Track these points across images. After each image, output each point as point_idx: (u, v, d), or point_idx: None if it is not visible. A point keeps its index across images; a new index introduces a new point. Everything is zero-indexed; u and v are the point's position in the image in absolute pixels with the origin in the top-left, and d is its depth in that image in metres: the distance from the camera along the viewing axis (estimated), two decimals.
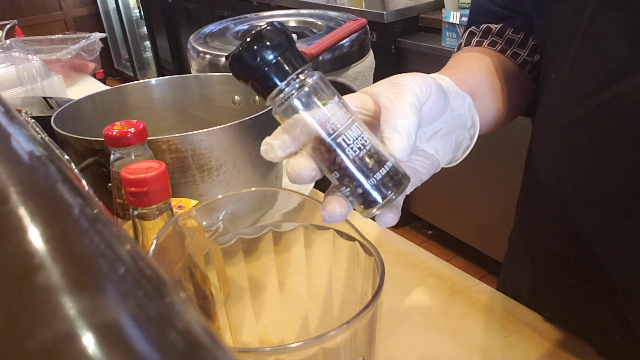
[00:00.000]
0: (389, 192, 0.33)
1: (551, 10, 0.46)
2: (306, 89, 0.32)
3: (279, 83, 0.32)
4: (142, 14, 3.54)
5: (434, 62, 1.60)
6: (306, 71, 0.32)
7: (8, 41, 1.42)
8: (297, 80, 0.32)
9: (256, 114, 0.57)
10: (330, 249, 0.39)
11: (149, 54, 3.76)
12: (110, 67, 4.03)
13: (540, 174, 0.50)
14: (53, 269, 0.10)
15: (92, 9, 3.87)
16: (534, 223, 0.54)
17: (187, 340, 0.11)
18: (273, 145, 0.33)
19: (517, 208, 0.59)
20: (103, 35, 1.49)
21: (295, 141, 0.33)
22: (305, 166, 0.33)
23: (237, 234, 0.41)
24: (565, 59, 0.44)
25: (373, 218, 0.36)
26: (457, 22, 1.51)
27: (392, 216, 0.35)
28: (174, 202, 0.46)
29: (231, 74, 0.32)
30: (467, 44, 0.56)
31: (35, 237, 0.11)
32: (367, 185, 0.33)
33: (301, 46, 1.21)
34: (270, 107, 0.33)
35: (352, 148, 0.32)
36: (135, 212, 0.38)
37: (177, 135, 0.53)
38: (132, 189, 0.37)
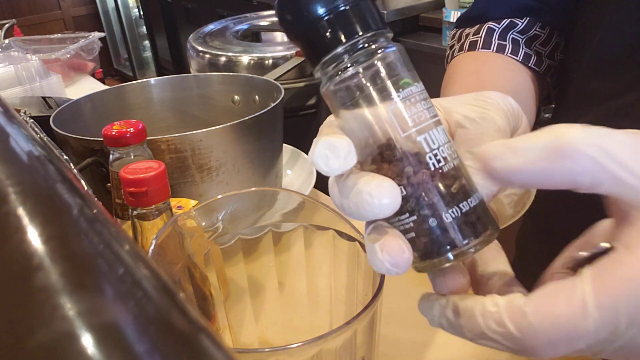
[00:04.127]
0: (470, 237, 0.23)
1: (577, 10, 0.45)
2: (377, 62, 0.23)
3: (338, 45, 0.22)
4: (142, 13, 3.54)
5: (434, 61, 1.60)
6: (382, 39, 0.23)
7: (7, 41, 1.42)
8: (367, 46, 0.23)
9: (256, 114, 0.57)
10: (330, 249, 0.39)
11: (148, 54, 3.75)
12: (109, 67, 4.02)
13: None
14: (52, 269, 0.10)
15: (91, 8, 3.87)
16: (544, 222, 0.53)
17: (187, 341, 0.11)
18: (338, 150, 0.23)
19: None
20: (102, 34, 1.49)
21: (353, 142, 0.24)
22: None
23: (236, 234, 0.41)
24: (583, 59, 0.43)
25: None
26: (454, 27, 1.51)
27: (460, 279, 0.25)
28: (174, 202, 0.46)
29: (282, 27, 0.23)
30: (486, 44, 0.49)
31: (34, 237, 0.11)
32: (445, 216, 0.23)
33: None
34: (318, 82, 0.24)
35: (435, 155, 0.23)
36: (135, 212, 0.38)
37: (177, 135, 0.53)
38: (131, 189, 0.37)
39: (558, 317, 0.21)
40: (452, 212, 0.23)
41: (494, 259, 0.26)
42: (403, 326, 0.52)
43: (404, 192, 0.23)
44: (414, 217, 0.23)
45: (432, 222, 0.23)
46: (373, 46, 0.23)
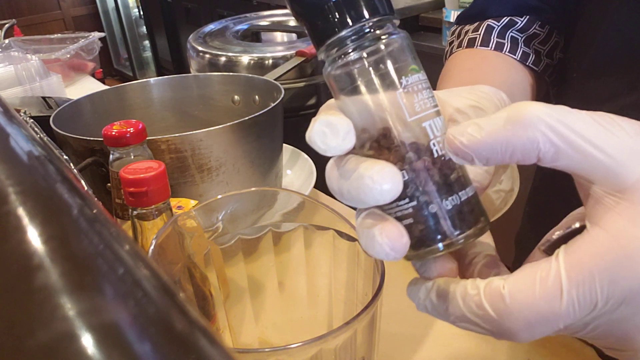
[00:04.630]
0: (464, 228, 0.23)
1: (578, 10, 0.45)
2: (383, 47, 0.22)
3: (344, 28, 0.22)
4: (142, 13, 3.54)
5: (434, 61, 1.60)
6: (389, 24, 0.23)
7: (7, 41, 1.42)
8: (373, 32, 0.22)
9: (256, 114, 0.57)
10: (330, 249, 0.39)
11: (148, 54, 3.75)
12: (109, 67, 4.03)
13: (550, 174, 0.50)
14: (52, 269, 0.10)
15: (91, 8, 3.87)
16: (544, 222, 0.53)
17: (187, 341, 0.11)
18: (337, 128, 0.23)
19: (525, 206, 0.58)
20: (102, 34, 1.49)
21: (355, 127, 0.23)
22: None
23: (236, 234, 0.41)
24: (584, 59, 0.43)
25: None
26: (454, 23, 1.51)
27: (448, 264, 0.25)
28: (174, 202, 0.46)
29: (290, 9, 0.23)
30: (485, 42, 0.49)
31: (34, 237, 0.11)
32: (444, 203, 0.23)
33: (301, 46, 1.21)
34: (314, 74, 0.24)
35: (438, 143, 0.23)
36: (135, 213, 0.38)
37: (177, 135, 0.53)
38: (131, 189, 0.37)
39: (534, 297, 0.21)
40: (452, 199, 0.23)
41: (480, 243, 0.27)
42: (403, 325, 0.52)
43: (405, 177, 0.23)
44: (414, 203, 0.23)
45: (432, 208, 0.23)
46: (378, 31, 0.23)
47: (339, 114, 0.23)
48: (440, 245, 0.24)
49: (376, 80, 0.23)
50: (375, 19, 0.22)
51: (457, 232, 0.23)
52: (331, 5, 0.22)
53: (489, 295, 0.22)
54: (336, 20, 0.22)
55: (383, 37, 0.23)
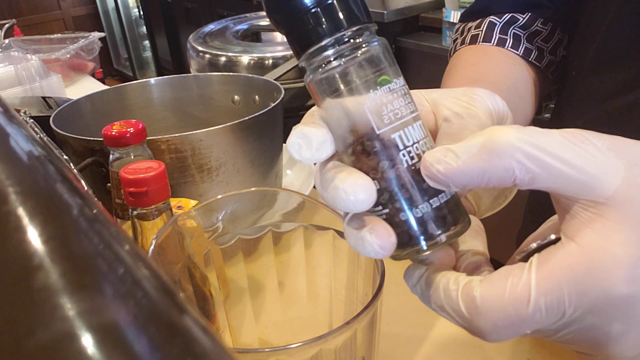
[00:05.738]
0: (440, 231, 0.24)
1: (580, 8, 0.45)
2: (360, 56, 0.23)
3: (324, 38, 0.23)
4: (142, 13, 3.54)
5: (434, 61, 1.60)
6: (367, 32, 0.24)
7: (7, 41, 1.42)
8: (352, 40, 0.23)
9: (256, 114, 0.57)
10: (330, 249, 0.39)
11: (148, 54, 3.76)
12: (109, 67, 4.03)
13: None
14: (52, 269, 0.10)
15: (91, 8, 3.87)
16: (545, 221, 0.53)
17: (187, 341, 0.11)
18: (311, 141, 0.23)
19: (526, 205, 0.59)
20: (102, 34, 1.49)
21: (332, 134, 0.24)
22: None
23: (236, 234, 0.41)
24: (585, 57, 0.43)
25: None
26: (458, 21, 1.51)
27: (448, 250, 0.26)
28: (174, 202, 0.46)
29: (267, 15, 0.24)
30: (487, 38, 0.50)
31: (34, 237, 0.11)
32: (413, 212, 0.24)
33: None
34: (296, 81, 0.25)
35: (409, 153, 0.24)
36: (135, 213, 0.38)
37: (177, 135, 0.53)
38: (131, 189, 0.37)
39: (502, 302, 0.22)
40: (423, 207, 0.24)
41: (472, 239, 0.27)
42: (403, 325, 0.52)
43: (378, 186, 0.24)
44: (387, 210, 0.24)
45: (403, 216, 0.24)
46: (358, 40, 0.23)
47: (316, 124, 0.24)
48: (423, 245, 0.24)
49: (351, 90, 0.23)
50: (354, 29, 0.23)
51: (439, 232, 0.24)
52: (311, 16, 0.22)
53: (465, 294, 0.23)
54: (315, 30, 0.23)
55: (363, 45, 0.23)
